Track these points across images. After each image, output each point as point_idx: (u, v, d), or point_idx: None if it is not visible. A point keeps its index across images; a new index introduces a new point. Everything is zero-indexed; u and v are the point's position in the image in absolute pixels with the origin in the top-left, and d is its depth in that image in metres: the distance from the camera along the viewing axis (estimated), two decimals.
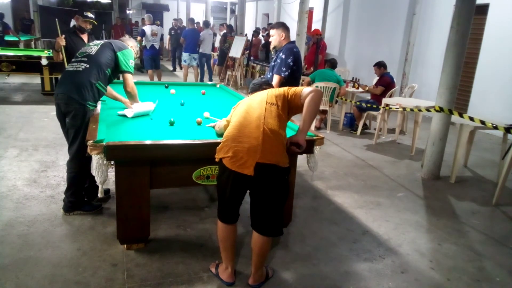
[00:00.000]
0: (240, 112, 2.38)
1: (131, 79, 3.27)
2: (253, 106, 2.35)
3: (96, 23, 4.34)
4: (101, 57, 3.10)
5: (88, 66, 3.03)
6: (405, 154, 5.58)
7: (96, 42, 3.29)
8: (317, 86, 6.28)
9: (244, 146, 2.21)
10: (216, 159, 2.33)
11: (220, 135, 2.69)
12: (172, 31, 13.07)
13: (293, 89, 2.40)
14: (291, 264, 2.73)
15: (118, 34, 12.77)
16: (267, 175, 2.23)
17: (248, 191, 2.35)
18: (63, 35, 4.02)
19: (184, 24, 14.80)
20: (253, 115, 2.30)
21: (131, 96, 3.31)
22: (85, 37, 4.17)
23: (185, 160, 2.68)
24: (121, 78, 3.38)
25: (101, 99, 3.23)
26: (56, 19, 4.23)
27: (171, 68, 13.42)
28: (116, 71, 3.24)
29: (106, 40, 3.31)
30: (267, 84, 2.65)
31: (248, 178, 2.20)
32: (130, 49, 3.31)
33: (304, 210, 3.60)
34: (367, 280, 2.62)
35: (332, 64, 6.67)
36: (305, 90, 2.35)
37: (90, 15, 4.09)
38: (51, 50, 4.64)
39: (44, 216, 3.13)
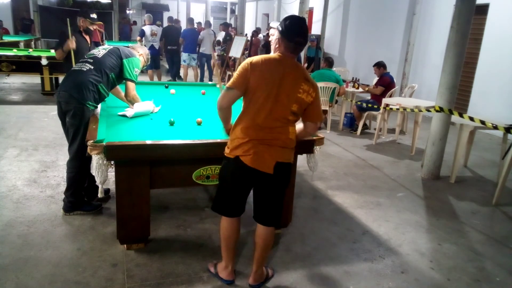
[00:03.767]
0: (262, 104, 2.17)
1: (133, 88, 3.29)
2: (280, 101, 2.17)
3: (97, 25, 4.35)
4: (107, 60, 3.15)
5: (92, 67, 3.07)
6: (405, 154, 5.58)
7: (105, 46, 3.36)
8: None
9: (265, 146, 2.20)
10: (230, 156, 2.24)
11: (220, 107, 2.32)
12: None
13: (316, 103, 2.28)
14: (291, 264, 2.73)
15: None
16: (283, 172, 2.29)
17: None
18: (73, 37, 4.02)
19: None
20: (278, 112, 2.18)
21: (131, 103, 3.37)
22: (87, 37, 4.22)
23: (185, 160, 2.67)
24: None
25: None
26: (68, 19, 4.09)
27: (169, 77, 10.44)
28: (120, 77, 3.28)
29: (115, 46, 3.36)
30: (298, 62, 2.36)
31: (266, 175, 2.23)
32: (137, 57, 3.36)
33: (304, 210, 3.60)
34: (367, 280, 2.63)
35: (330, 63, 6.65)
36: (310, 123, 2.36)
37: (95, 17, 4.16)
38: (53, 49, 4.59)
39: (44, 216, 3.13)
